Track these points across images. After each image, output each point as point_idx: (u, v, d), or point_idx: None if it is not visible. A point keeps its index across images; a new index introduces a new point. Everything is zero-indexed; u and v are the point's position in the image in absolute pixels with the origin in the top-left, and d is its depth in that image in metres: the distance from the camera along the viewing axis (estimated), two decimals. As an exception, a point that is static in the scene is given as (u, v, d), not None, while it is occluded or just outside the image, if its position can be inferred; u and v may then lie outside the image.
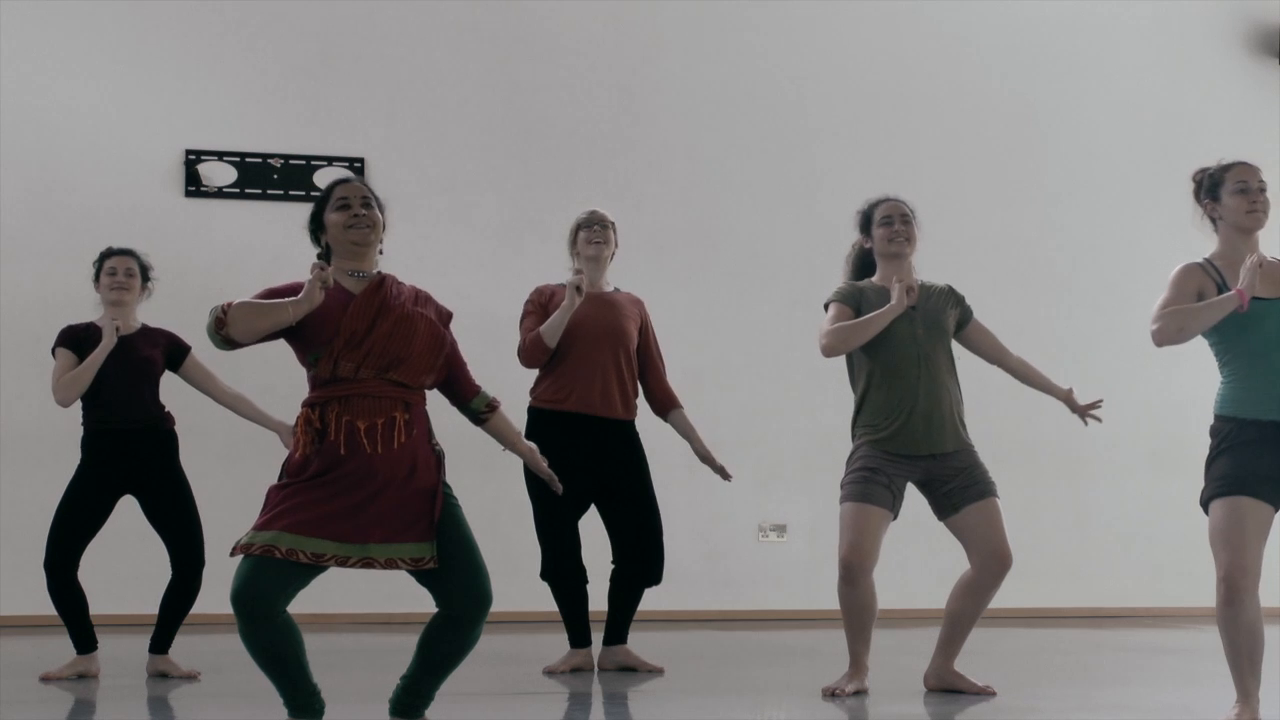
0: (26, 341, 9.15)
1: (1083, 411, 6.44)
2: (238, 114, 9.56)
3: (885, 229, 6.39)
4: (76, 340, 6.86)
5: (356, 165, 9.64)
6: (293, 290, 4.86)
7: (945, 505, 6.29)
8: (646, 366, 7.11)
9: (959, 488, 6.25)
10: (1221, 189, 5.41)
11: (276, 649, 4.69)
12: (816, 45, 10.28)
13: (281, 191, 9.58)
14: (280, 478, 4.88)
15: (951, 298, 6.46)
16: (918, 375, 6.25)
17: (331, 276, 4.78)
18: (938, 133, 10.37)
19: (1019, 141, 10.50)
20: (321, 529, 4.72)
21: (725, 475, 7.07)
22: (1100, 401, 6.44)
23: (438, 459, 4.90)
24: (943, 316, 6.38)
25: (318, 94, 9.67)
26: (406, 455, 4.80)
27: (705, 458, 7.07)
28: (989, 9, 10.52)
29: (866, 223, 6.46)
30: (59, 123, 9.34)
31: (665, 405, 7.13)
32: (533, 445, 5.20)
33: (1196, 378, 10.28)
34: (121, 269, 6.95)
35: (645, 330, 7.12)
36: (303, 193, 9.57)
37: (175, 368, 6.99)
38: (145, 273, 7.03)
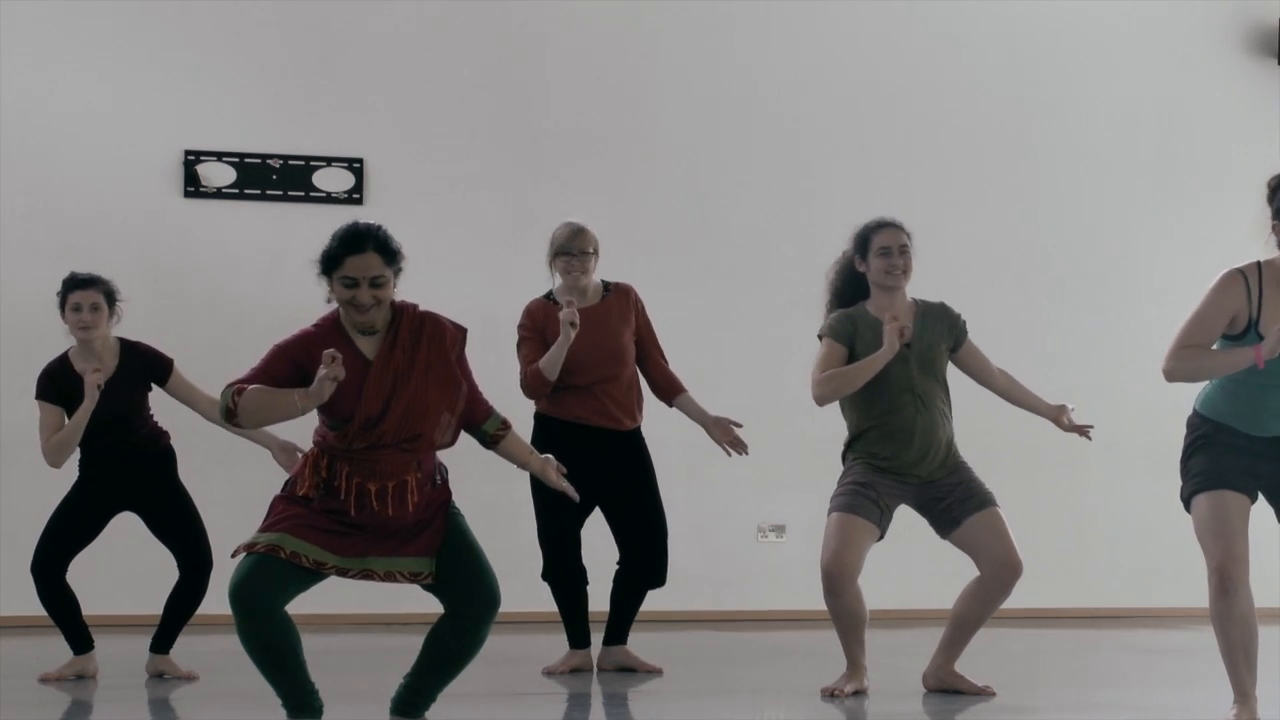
0: (26, 341, 9.14)
1: (1079, 431, 6.40)
2: (237, 114, 9.56)
3: (884, 260, 6.24)
4: (56, 388, 6.71)
5: (356, 165, 9.64)
6: (303, 346, 4.79)
7: (946, 520, 6.26)
8: (645, 358, 7.08)
9: (957, 501, 6.23)
10: None
11: (273, 647, 4.70)
12: (815, 46, 10.27)
13: (281, 192, 9.57)
14: (284, 490, 4.89)
15: (946, 321, 6.36)
16: (915, 414, 6.20)
17: (343, 370, 4.63)
18: (935, 133, 10.37)
19: (1016, 142, 10.49)
20: (324, 542, 4.74)
21: (742, 447, 6.98)
22: (1091, 426, 6.42)
23: (442, 482, 4.92)
24: (936, 351, 6.29)
25: (317, 94, 9.67)
26: (415, 505, 4.83)
27: (719, 428, 6.98)
28: (987, 9, 10.52)
29: (863, 247, 6.30)
30: (58, 123, 9.33)
31: (669, 392, 7.09)
32: (546, 457, 5.13)
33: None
34: (86, 305, 6.69)
35: (640, 323, 7.06)
36: (302, 193, 9.57)
37: (161, 384, 6.82)
38: (112, 298, 6.78)
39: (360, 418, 4.74)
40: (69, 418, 6.68)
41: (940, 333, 6.32)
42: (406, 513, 4.80)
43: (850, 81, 10.29)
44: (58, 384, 6.72)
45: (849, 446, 6.34)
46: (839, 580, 6.12)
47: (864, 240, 6.31)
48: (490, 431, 5.02)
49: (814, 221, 10.20)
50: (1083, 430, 6.38)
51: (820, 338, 6.29)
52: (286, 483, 4.93)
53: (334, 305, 4.91)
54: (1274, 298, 5.11)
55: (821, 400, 6.21)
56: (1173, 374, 5.18)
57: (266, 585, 4.65)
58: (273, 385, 4.74)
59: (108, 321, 6.75)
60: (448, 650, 4.85)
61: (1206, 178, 10.62)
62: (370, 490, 4.78)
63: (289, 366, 4.77)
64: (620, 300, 7.04)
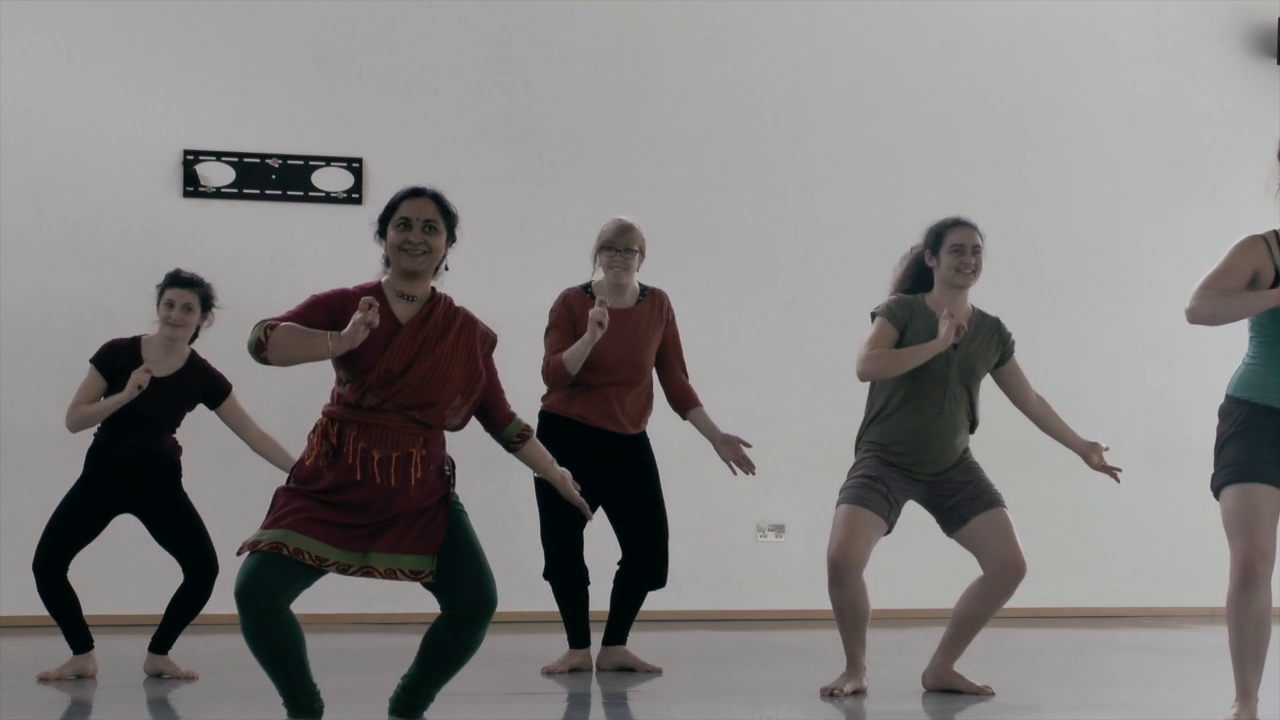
0: (26, 341, 9.15)
1: (1108, 472, 6.35)
2: (236, 114, 9.56)
3: (955, 257, 6.28)
4: (114, 362, 6.68)
5: (355, 165, 9.64)
6: (339, 300, 4.83)
7: (953, 518, 6.27)
8: (665, 368, 7.07)
9: (965, 499, 6.24)
10: None
11: (278, 645, 4.70)
12: (814, 45, 10.28)
13: (280, 192, 9.57)
14: (288, 481, 4.90)
15: (997, 337, 6.39)
16: (937, 415, 6.23)
17: (378, 316, 4.67)
18: (934, 132, 10.37)
19: (1016, 141, 10.50)
20: (327, 536, 4.75)
21: (748, 466, 6.97)
22: (1120, 469, 6.40)
23: (449, 475, 4.93)
24: (979, 363, 6.32)
25: (316, 94, 9.67)
26: (418, 483, 4.83)
27: (728, 447, 6.97)
28: (986, 8, 10.52)
29: (936, 243, 6.32)
30: (58, 123, 9.33)
31: (684, 405, 7.08)
32: (565, 472, 5.18)
33: (1194, 378, 10.30)
34: (180, 303, 6.72)
35: (668, 333, 7.04)
36: (301, 193, 9.57)
37: (213, 407, 6.83)
38: (208, 303, 6.81)
39: (380, 369, 4.77)
40: (108, 395, 6.69)
41: (988, 348, 6.36)
42: (408, 489, 4.80)
43: (849, 81, 10.29)
44: (117, 360, 6.70)
45: (863, 434, 6.35)
46: (844, 570, 6.12)
47: (938, 236, 6.34)
48: (509, 437, 5.09)
49: (814, 222, 10.20)
50: (1112, 472, 6.36)
51: (874, 315, 6.30)
52: (291, 470, 4.94)
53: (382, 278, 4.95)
54: None
55: (864, 376, 6.23)
56: (1196, 313, 5.14)
57: (271, 583, 4.65)
58: None
59: (198, 324, 6.79)
60: (445, 650, 4.86)
61: (1205, 177, 10.63)
62: (374, 457, 4.79)
63: (324, 316, 4.81)
64: (654, 308, 7.03)
